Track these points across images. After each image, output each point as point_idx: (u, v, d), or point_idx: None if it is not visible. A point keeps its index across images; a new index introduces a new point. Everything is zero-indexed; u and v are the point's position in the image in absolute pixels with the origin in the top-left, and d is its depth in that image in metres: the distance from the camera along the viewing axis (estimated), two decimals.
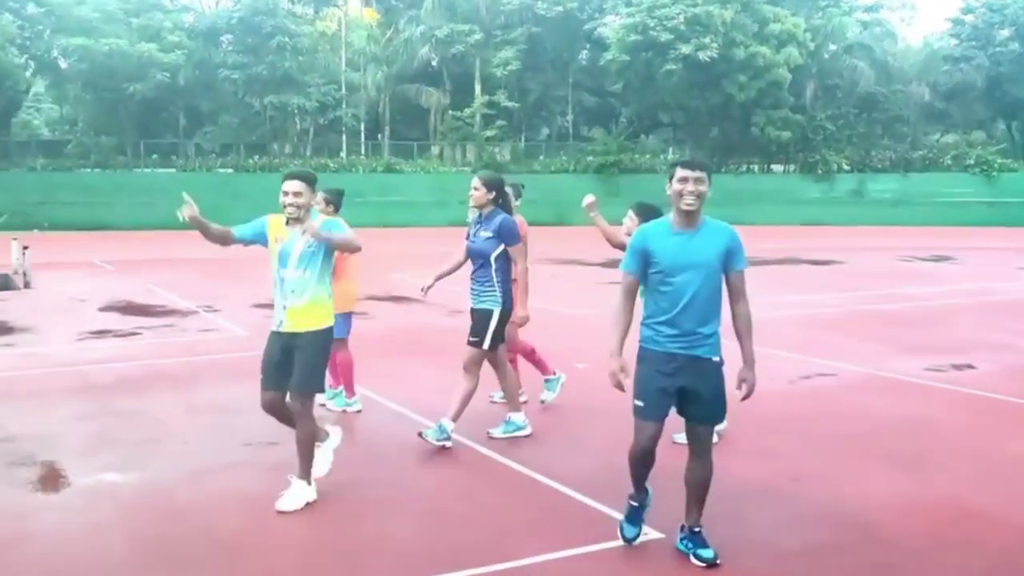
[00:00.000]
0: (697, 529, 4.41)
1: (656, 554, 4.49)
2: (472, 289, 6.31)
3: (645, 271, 4.35)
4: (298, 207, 5.04)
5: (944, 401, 7.83)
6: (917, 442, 6.53)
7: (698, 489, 4.42)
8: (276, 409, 5.21)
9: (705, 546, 4.37)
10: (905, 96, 41.80)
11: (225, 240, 5.23)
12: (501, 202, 6.30)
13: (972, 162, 38.54)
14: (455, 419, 6.18)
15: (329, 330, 5.22)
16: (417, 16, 41.23)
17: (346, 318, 6.95)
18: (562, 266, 19.14)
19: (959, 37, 43.19)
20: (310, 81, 38.48)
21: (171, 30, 37.68)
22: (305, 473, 5.18)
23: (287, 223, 5.13)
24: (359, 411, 7.25)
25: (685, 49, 35.92)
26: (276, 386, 5.16)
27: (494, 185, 6.30)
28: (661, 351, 4.30)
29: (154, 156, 38.38)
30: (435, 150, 42.54)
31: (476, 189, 6.24)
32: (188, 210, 4.96)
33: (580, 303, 13.39)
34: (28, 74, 40.29)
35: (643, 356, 4.36)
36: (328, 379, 6.66)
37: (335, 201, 7.00)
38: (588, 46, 43.50)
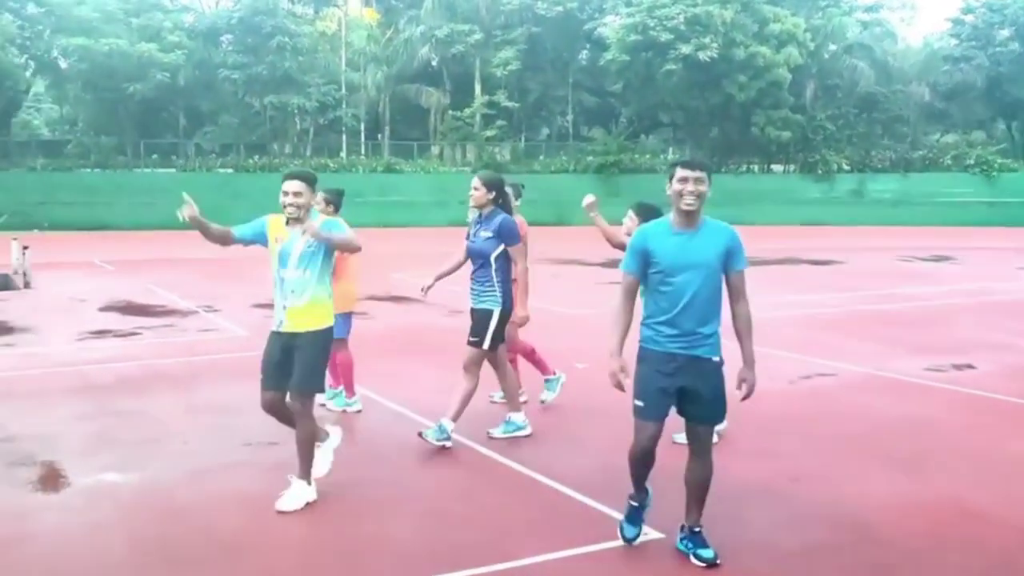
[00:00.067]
0: (697, 529, 4.42)
1: (656, 554, 4.49)
2: (472, 289, 6.31)
3: (645, 271, 4.35)
4: (298, 207, 5.04)
5: (944, 401, 7.83)
6: (917, 442, 6.53)
7: (698, 489, 4.42)
8: (276, 409, 5.22)
9: (705, 546, 4.37)
10: (905, 96, 41.82)
11: (225, 240, 5.23)
12: (501, 202, 6.30)
13: (972, 162, 38.54)
14: (455, 419, 6.18)
15: (329, 330, 5.22)
16: (417, 16, 41.24)
17: (346, 318, 6.95)
18: (562, 266, 19.14)
19: (959, 37, 43.19)
20: (310, 81, 38.50)
21: (171, 30, 37.70)
22: (305, 473, 5.18)
23: (287, 223, 5.13)
24: (359, 411, 7.25)
25: (685, 49, 35.93)
26: (276, 386, 5.17)
27: (494, 185, 6.30)
28: (661, 351, 4.30)
29: (154, 156, 38.39)
30: (435, 150, 42.56)
31: (476, 189, 6.24)
32: (188, 210, 4.97)
33: (580, 303, 13.39)
34: (28, 74, 40.30)
35: (643, 356, 4.36)
36: (328, 379, 6.66)
37: (335, 201, 7.00)
38: (588, 46, 43.51)
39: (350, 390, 7.28)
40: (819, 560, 4.46)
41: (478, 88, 40.90)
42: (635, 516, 4.56)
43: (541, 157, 42.07)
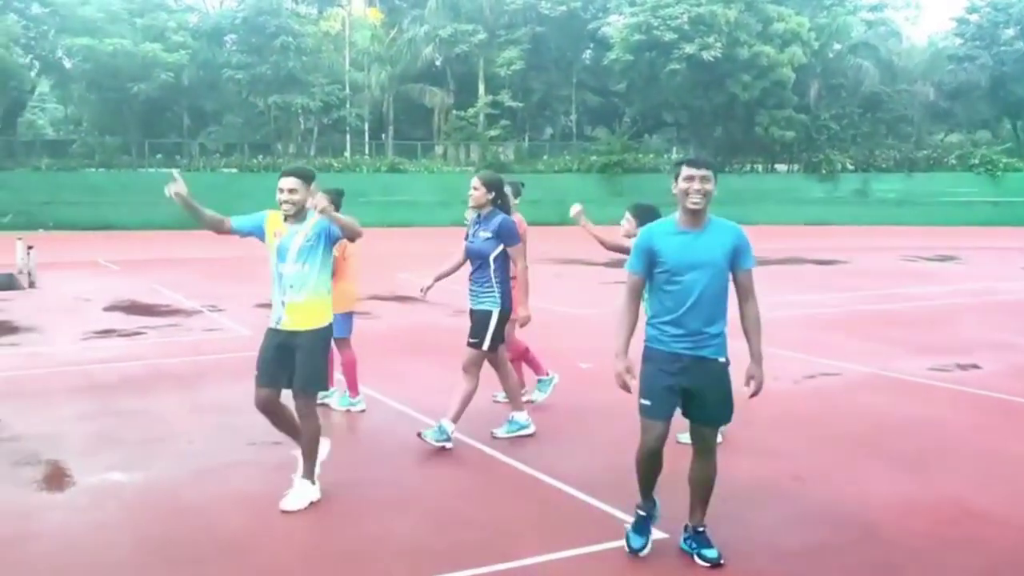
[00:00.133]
0: (701, 529, 4.41)
1: (660, 554, 4.48)
2: (471, 290, 6.30)
3: (650, 271, 4.33)
4: (293, 204, 5.04)
5: (948, 401, 7.82)
6: (920, 442, 6.52)
7: (702, 489, 4.42)
8: (270, 408, 5.18)
9: (709, 546, 4.37)
10: (909, 95, 41.75)
11: (220, 227, 5.17)
12: (500, 202, 6.30)
13: (976, 161, 38.44)
14: (455, 420, 6.18)
15: (328, 328, 5.22)
16: (421, 16, 41.26)
17: (347, 317, 6.96)
18: (565, 266, 19.14)
19: (964, 36, 43.09)
20: (314, 81, 38.51)
21: (175, 30, 37.76)
22: (309, 472, 5.18)
23: (285, 219, 5.14)
24: (363, 411, 7.26)
25: (689, 49, 35.90)
26: (271, 383, 5.14)
27: (494, 185, 6.29)
28: (666, 351, 4.28)
29: (158, 156, 38.46)
30: (439, 150, 42.59)
31: (476, 189, 6.24)
32: (176, 187, 4.89)
33: (583, 303, 13.39)
34: (33, 74, 40.34)
35: (648, 355, 4.35)
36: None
37: (335, 201, 6.96)
38: (592, 46, 43.48)
39: (354, 390, 7.28)
40: (822, 560, 4.46)
41: (482, 88, 40.90)
42: (642, 526, 4.49)
43: (545, 157, 42.04)
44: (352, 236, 5.16)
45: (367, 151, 42.00)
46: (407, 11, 43.25)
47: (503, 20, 41.21)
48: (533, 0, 40.03)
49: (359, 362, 7.24)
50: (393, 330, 11.37)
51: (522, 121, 43.04)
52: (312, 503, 5.11)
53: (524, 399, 6.81)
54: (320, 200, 4.81)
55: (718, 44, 35.89)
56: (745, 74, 37.22)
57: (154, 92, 36.50)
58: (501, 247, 6.18)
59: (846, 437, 6.59)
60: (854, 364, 9.21)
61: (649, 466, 4.38)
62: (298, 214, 5.09)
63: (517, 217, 6.58)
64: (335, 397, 7.28)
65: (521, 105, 40.78)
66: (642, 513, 4.50)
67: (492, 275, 6.19)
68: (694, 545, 4.40)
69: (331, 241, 5.16)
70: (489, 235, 6.18)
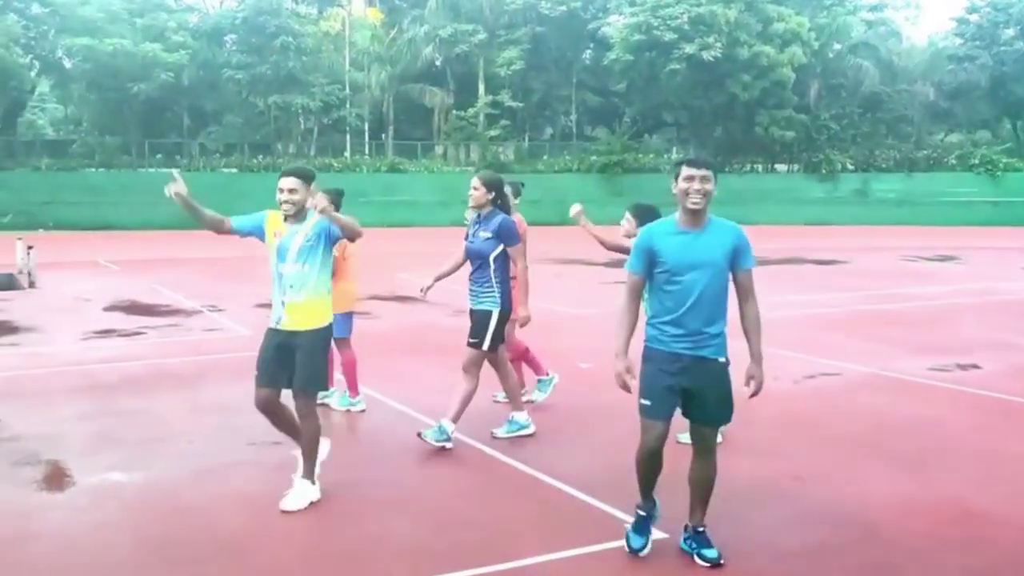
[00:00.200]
0: (701, 529, 4.41)
1: (659, 554, 4.48)
2: (471, 290, 6.30)
3: (651, 271, 4.33)
4: (293, 204, 5.05)
5: (948, 401, 7.82)
6: (920, 442, 6.52)
7: (702, 489, 4.42)
8: (270, 408, 5.18)
9: (709, 546, 4.37)
10: (909, 95, 41.74)
11: (219, 227, 5.18)
12: (500, 202, 6.30)
13: (976, 161, 38.42)
14: (455, 420, 6.18)
15: (328, 328, 5.22)
16: (421, 16, 41.25)
17: (347, 317, 6.97)
18: (565, 266, 19.14)
19: (964, 36, 43.07)
20: (314, 81, 38.50)
21: (175, 30, 37.75)
22: (309, 472, 5.18)
23: (285, 219, 5.14)
24: (363, 411, 7.26)
25: (689, 49, 35.89)
26: (271, 383, 5.14)
27: (493, 185, 6.29)
28: (666, 351, 4.28)
29: (158, 156, 38.44)
30: (439, 150, 42.58)
31: (476, 189, 6.23)
32: (176, 187, 4.89)
33: (584, 303, 13.38)
34: (33, 74, 40.33)
35: (648, 355, 4.35)
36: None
37: (335, 201, 6.96)
38: (592, 46, 43.48)
39: (354, 390, 7.28)
40: (822, 559, 4.46)
41: (482, 88, 40.89)
42: (642, 526, 4.49)
43: (545, 157, 42.03)
44: (352, 236, 5.16)
45: (367, 151, 41.99)
46: (407, 11, 43.25)
47: (503, 20, 41.20)
48: (533, 0, 40.03)
49: (359, 362, 7.25)
50: (393, 330, 11.38)
51: (522, 121, 43.03)
52: (312, 503, 5.12)
53: (524, 399, 6.81)
54: (320, 200, 4.81)
55: (718, 44, 35.88)
56: (745, 74, 37.21)
57: (154, 92, 36.49)
58: (501, 247, 6.18)
59: (846, 437, 6.59)
60: (854, 364, 9.21)
61: (649, 466, 4.38)
62: (298, 214, 5.09)
63: (517, 217, 6.58)
64: (335, 397, 7.29)
65: (521, 105, 40.77)
66: (642, 513, 4.50)
67: (492, 275, 6.18)
68: (694, 545, 4.40)
69: (331, 241, 5.16)
70: (489, 235, 6.18)
